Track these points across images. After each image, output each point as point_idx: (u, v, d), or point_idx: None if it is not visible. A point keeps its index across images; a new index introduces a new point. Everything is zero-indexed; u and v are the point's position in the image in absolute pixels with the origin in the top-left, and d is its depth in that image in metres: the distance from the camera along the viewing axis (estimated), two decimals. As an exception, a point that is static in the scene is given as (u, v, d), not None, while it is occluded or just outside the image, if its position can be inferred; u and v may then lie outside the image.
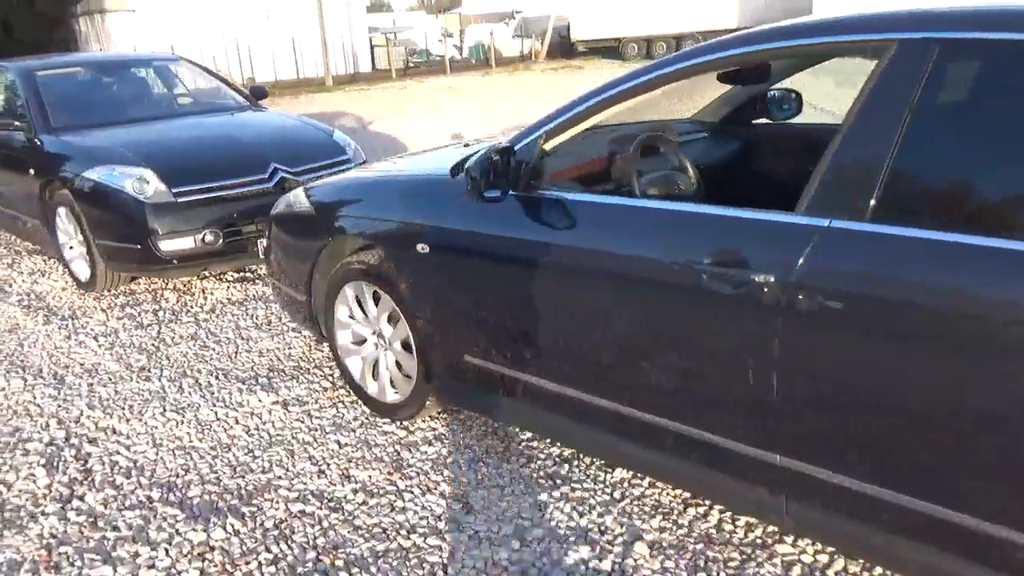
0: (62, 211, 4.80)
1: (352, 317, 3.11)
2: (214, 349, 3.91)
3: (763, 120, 3.50)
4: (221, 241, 4.49)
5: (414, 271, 2.71)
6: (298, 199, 3.32)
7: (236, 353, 3.85)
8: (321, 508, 2.56)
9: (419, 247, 2.64)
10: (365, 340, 3.11)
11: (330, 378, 3.49)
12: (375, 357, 3.08)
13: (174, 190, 4.42)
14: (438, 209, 2.61)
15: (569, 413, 2.40)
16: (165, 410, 3.29)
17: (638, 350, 2.15)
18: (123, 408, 3.33)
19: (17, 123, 5.15)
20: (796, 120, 3.48)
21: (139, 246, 4.39)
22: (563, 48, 31.64)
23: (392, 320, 2.93)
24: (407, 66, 30.08)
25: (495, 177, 2.28)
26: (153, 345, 4.00)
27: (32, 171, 4.98)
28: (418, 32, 37.17)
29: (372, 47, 30.91)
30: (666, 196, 2.58)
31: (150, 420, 3.21)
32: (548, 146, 2.40)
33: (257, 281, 4.94)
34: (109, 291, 4.84)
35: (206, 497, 2.65)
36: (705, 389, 2.04)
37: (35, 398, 3.48)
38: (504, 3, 47.44)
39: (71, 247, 4.91)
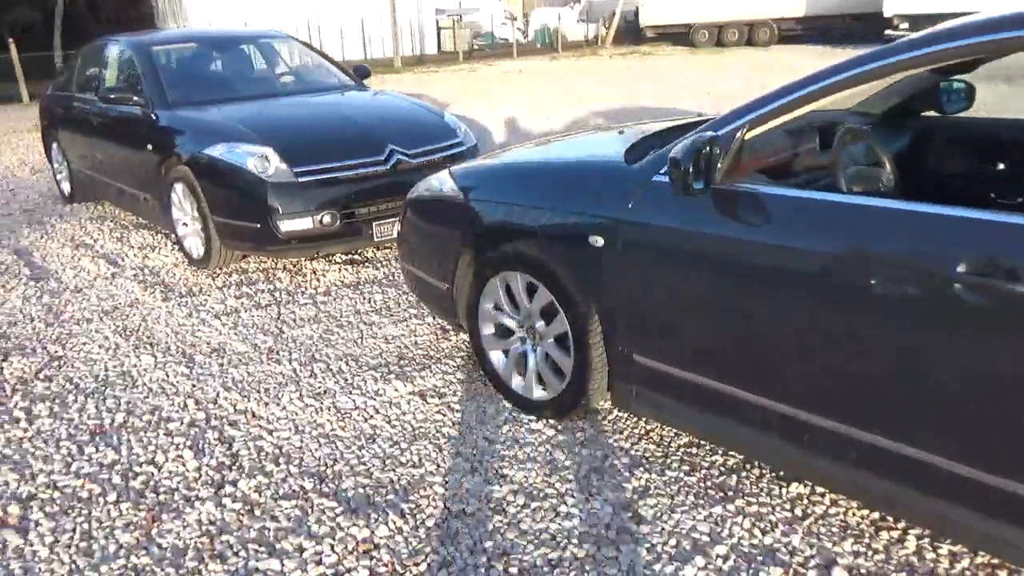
0: (178, 187, 4.79)
1: (499, 308, 2.99)
2: (338, 334, 3.85)
3: (932, 112, 3.27)
4: (338, 223, 4.42)
5: (583, 264, 2.57)
6: (443, 183, 3.21)
7: (361, 338, 3.78)
8: (482, 509, 2.46)
9: (591, 239, 2.50)
10: (511, 333, 3.00)
11: (464, 369, 3.39)
12: (522, 351, 2.97)
13: (295, 170, 4.36)
14: (615, 199, 2.46)
15: (766, 426, 2.24)
16: (302, 395, 3.23)
17: (866, 364, 1.97)
18: (259, 391, 3.28)
19: (135, 98, 5.15)
20: (966, 114, 3.25)
21: (258, 225, 4.36)
22: (630, 33, 31.08)
23: (546, 315, 2.80)
24: (471, 49, 29.93)
25: (702, 168, 2.12)
26: (276, 327, 3.96)
27: (149, 146, 4.99)
28: (483, 15, 36.90)
29: (439, 29, 30.82)
30: (869, 192, 2.38)
31: (288, 405, 3.15)
32: (748, 137, 2.24)
33: (367, 264, 4.88)
34: (221, 269, 4.83)
35: (360, 491, 2.57)
36: (945, 407, 1.85)
37: (168, 376, 3.46)
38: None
39: (185, 223, 4.91)
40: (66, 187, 6.87)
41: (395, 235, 3.84)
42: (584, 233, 2.53)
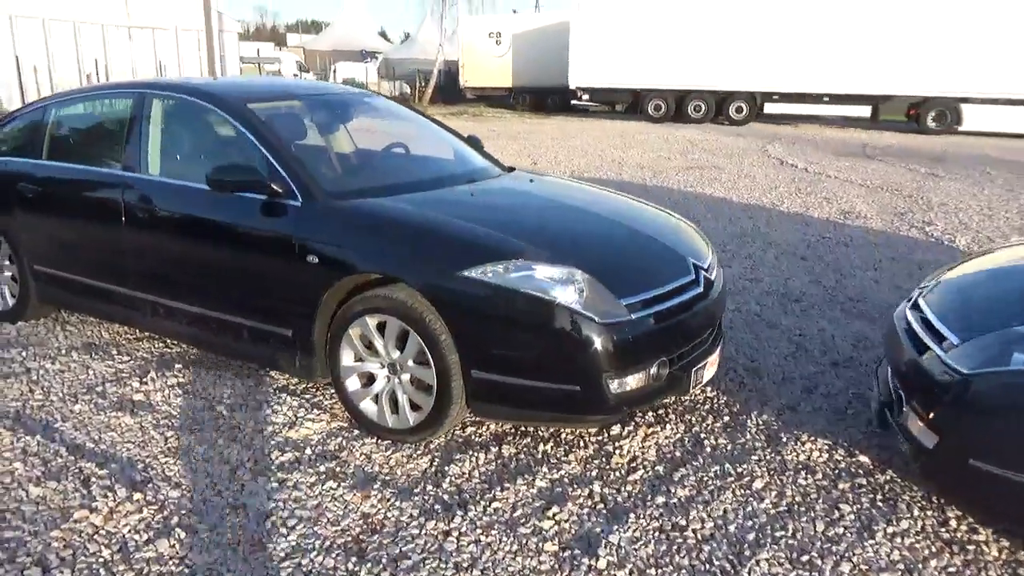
0: (370, 323, 3.16)
1: None
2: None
3: None
4: (667, 372, 3.12)
5: None
6: None
7: None
8: None
9: None
10: None
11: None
12: None
13: (624, 302, 3.00)
14: None
15: None
16: None
17: None
18: None
19: (269, 186, 3.38)
20: None
21: (577, 387, 2.92)
22: (447, 93, 30.71)
23: None
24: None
25: None
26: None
27: (312, 258, 3.26)
28: (284, 65, 34.64)
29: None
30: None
31: None
32: None
33: (669, 421, 3.55)
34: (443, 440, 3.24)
35: None
36: None
37: None
38: (347, 41, 45.96)
39: (370, 376, 3.26)
40: (5, 297, 4.58)
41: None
42: None
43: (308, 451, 3.22)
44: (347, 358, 3.33)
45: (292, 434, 3.36)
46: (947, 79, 18.91)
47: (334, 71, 33.08)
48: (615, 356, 2.91)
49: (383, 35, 55.69)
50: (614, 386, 2.94)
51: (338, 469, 3.08)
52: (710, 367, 3.36)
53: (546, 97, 26.46)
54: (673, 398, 3.51)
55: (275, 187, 3.38)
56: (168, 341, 4.33)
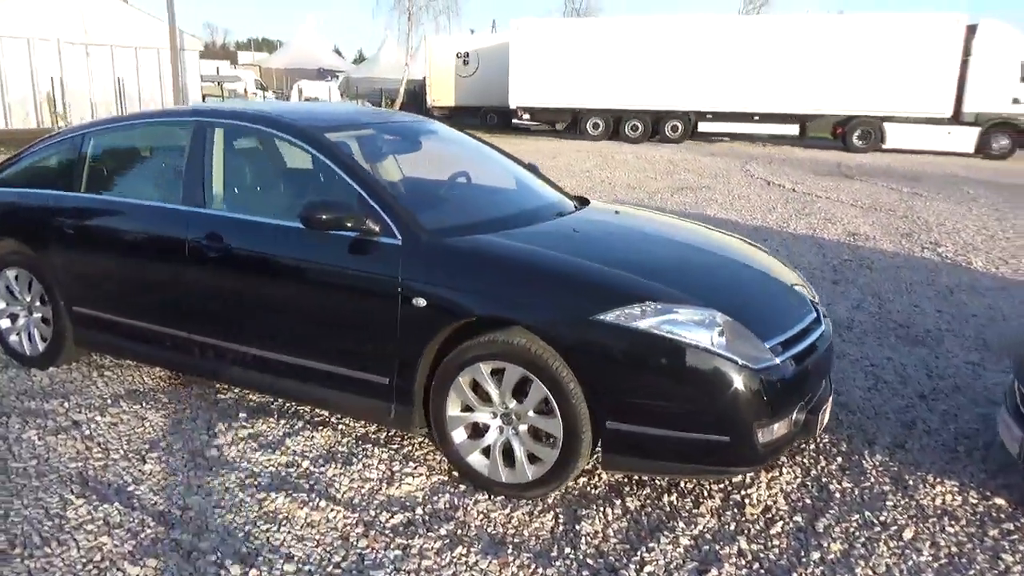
0: (483, 369, 2.94)
1: None
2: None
3: None
4: (803, 419, 2.97)
5: None
6: None
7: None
8: None
9: None
10: None
11: None
12: None
13: (771, 344, 2.83)
14: None
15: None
16: None
17: None
18: None
19: (364, 223, 3.13)
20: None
21: (727, 438, 2.74)
22: (412, 112, 30.42)
23: None
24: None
25: None
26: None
27: (420, 301, 3.02)
28: (241, 84, 33.94)
29: (203, 95, 27.63)
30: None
31: None
32: None
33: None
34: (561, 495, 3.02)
35: None
36: None
37: None
38: (303, 60, 45.32)
39: (477, 426, 3.03)
40: (34, 341, 4.20)
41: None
42: None
43: (419, 511, 2.96)
44: (453, 408, 3.09)
45: (394, 491, 3.10)
46: (870, 99, 19.77)
47: (299, 90, 32.49)
48: (767, 403, 2.74)
49: (337, 53, 55.21)
50: (763, 435, 2.76)
51: (459, 532, 2.84)
52: (828, 408, 3.22)
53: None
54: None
55: (370, 224, 3.14)
56: (218, 386, 4.02)
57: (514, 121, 25.86)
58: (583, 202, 4.11)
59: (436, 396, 3.09)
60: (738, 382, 2.70)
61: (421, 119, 4.47)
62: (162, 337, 3.75)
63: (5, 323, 4.29)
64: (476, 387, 3.04)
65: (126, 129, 4.14)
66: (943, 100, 19.26)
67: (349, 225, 3.13)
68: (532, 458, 2.99)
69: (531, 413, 2.94)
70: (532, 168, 4.44)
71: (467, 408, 3.09)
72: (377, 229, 3.14)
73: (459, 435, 3.11)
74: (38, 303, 4.15)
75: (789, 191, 12.59)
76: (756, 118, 21.14)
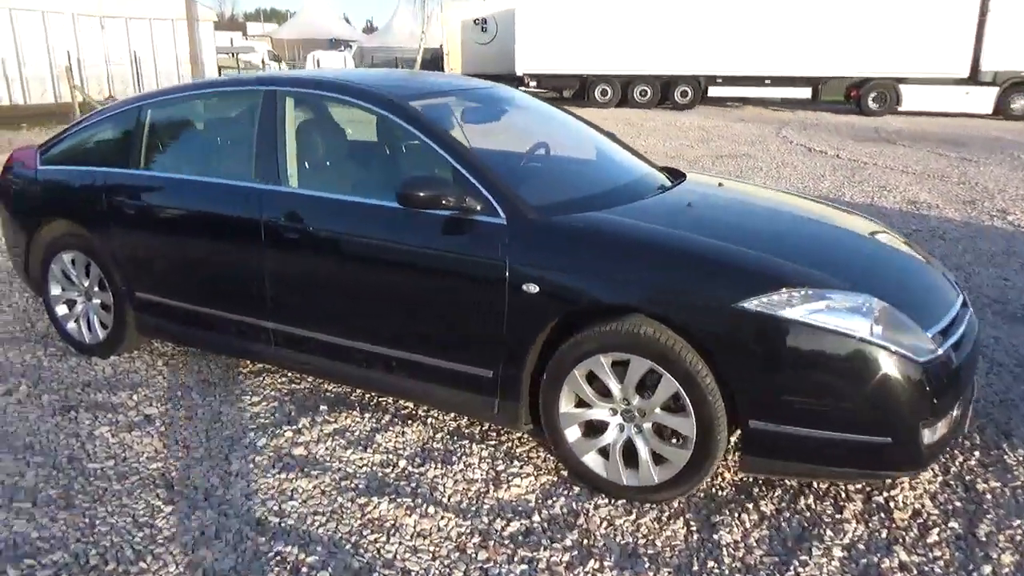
0: (604, 361, 2.66)
1: None
2: None
3: None
4: (960, 415, 2.67)
5: None
6: None
7: None
8: None
9: None
10: None
11: None
12: None
13: (931, 333, 2.54)
14: None
15: None
16: None
17: None
18: None
19: (463, 201, 2.84)
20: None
21: (890, 439, 2.45)
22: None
23: None
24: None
25: None
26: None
27: (531, 287, 2.74)
28: (256, 56, 33.42)
29: (219, 68, 27.22)
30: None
31: None
32: None
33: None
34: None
35: None
36: None
37: None
38: (314, 30, 44.60)
39: (582, 430, 2.76)
40: (94, 328, 3.96)
41: None
42: None
43: (535, 517, 2.71)
44: (567, 404, 2.82)
45: (503, 495, 2.84)
46: (885, 60, 19.01)
47: (317, 61, 31.90)
48: (933, 399, 2.46)
49: (347, 22, 54.36)
50: (927, 435, 2.48)
51: (585, 541, 2.58)
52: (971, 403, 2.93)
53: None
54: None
55: (470, 202, 2.85)
56: (290, 375, 3.77)
57: (520, 89, 25.00)
58: (675, 174, 3.80)
59: (547, 391, 2.83)
60: (902, 376, 2.41)
61: (496, 85, 4.14)
62: (235, 325, 3.49)
63: (62, 310, 4.04)
64: (591, 380, 2.77)
65: (187, 100, 3.85)
66: (960, 60, 18.47)
67: (448, 203, 2.84)
68: (657, 459, 2.72)
69: (658, 410, 2.67)
70: (612, 136, 4.12)
71: (581, 404, 2.82)
72: (478, 207, 2.85)
73: (573, 433, 2.85)
74: (96, 288, 3.90)
75: (833, 157, 12.17)
76: (767, 82, 20.40)
